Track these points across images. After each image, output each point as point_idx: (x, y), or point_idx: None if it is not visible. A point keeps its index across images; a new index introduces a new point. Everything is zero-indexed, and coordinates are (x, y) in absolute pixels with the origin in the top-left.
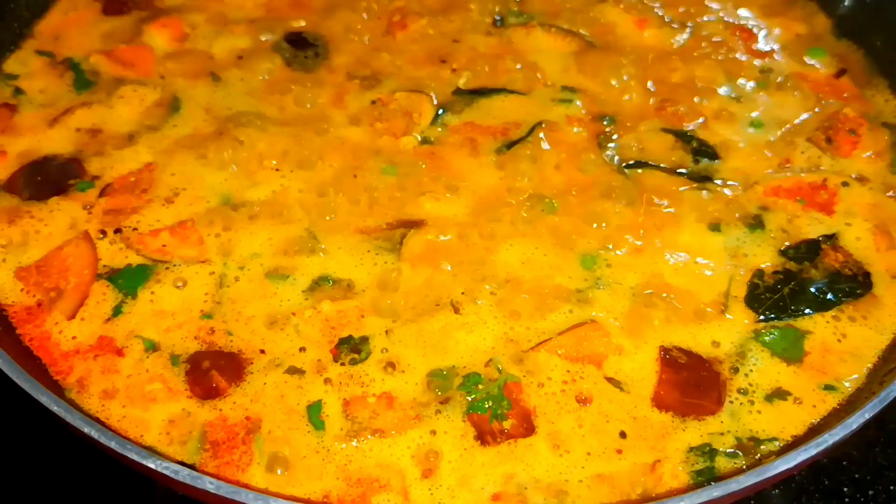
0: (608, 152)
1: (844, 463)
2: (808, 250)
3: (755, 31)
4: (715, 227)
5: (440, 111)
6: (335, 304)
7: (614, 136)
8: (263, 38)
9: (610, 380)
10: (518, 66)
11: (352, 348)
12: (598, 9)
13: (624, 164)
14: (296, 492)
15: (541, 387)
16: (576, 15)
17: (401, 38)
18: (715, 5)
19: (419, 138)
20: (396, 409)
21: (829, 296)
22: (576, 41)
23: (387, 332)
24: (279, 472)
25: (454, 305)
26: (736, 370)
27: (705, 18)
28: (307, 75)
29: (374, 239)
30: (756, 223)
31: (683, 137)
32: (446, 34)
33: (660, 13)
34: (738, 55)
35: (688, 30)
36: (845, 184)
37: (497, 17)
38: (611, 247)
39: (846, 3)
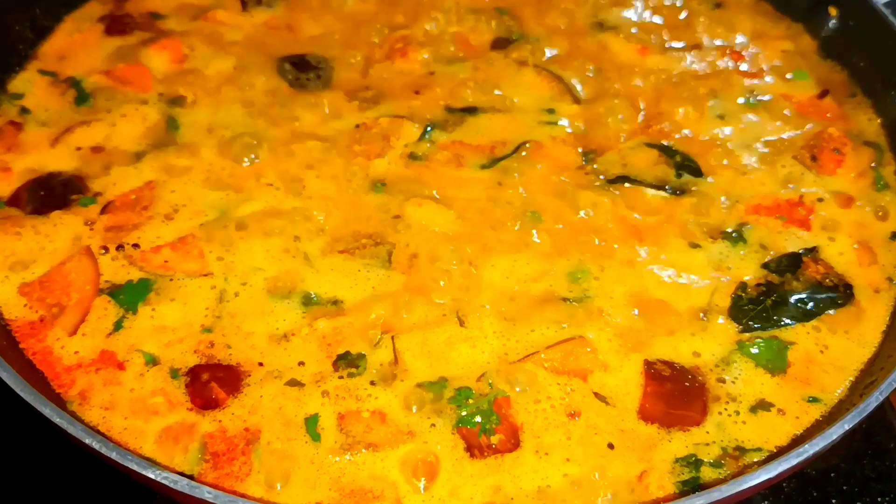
0: (593, 166)
1: (832, 475)
2: (790, 263)
3: (743, 52)
4: (698, 242)
5: (428, 128)
6: (331, 321)
7: (600, 152)
8: (262, 60)
9: (596, 394)
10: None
11: (349, 363)
12: (598, 38)
13: (608, 180)
14: (291, 502)
15: (537, 403)
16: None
17: (399, 64)
18: (706, 31)
19: (389, 161)
20: (389, 424)
21: (811, 306)
22: (560, 87)
23: (393, 337)
24: (277, 485)
25: (460, 318)
26: (721, 381)
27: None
28: (306, 97)
29: (362, 257)
30: (738, 238)
31: (667, 152)
32: (437, 62)
33: (655, 39)
34: (726, 75)
35: (679, 51)
36: (820, 199)
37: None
38: (589, 263)
39: (830, 25)
